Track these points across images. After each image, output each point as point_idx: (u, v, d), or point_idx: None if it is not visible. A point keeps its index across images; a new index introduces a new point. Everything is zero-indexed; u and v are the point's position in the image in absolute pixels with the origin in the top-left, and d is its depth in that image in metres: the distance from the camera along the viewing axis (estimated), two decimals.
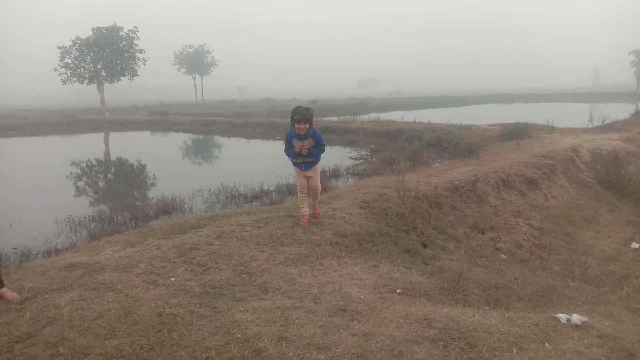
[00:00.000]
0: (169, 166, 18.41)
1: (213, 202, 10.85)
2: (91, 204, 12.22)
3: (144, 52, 52.63)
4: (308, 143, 5.29)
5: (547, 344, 3.35)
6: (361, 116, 33.60)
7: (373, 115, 33.61)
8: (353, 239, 5.50)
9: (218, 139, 29.40)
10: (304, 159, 5.42)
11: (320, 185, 5.69)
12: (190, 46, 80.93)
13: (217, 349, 3.17)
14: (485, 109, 52.97)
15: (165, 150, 24.90)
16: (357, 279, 4.56)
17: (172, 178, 14.89)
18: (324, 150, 5.49)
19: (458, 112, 41.32)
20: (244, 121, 34.12)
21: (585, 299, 5.04)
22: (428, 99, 77.09)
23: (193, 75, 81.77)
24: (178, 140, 29.54)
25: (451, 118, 25.39)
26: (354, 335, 3.41)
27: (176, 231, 5.46)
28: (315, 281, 4.46)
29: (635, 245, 7.20)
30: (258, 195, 11.22)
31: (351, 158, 17.63)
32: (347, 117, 34.95)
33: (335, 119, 33.95)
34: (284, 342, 3.26)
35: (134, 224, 8.92)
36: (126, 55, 51.37)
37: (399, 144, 21.05)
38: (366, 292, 4.26)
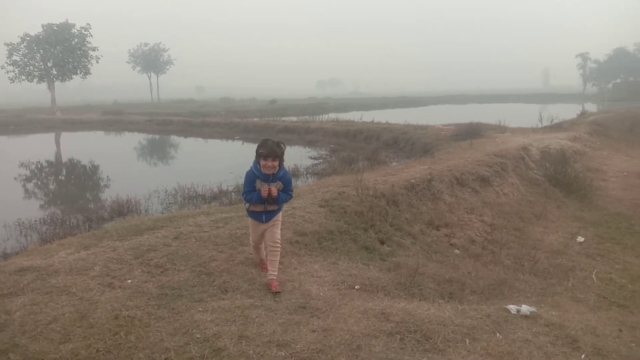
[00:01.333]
0: (123, 167, 17.95)
1: (170, 203, 10.67)
2: (42, 206, 11.77)
3: (97, 49, 50.93)
4: (277, 186, 4.16)
5: (498, 334, 3.51)
6: (320, 116, 33.75)
7: (332, 116, 33.82)
8: (313, 238, 5.55)
9: (175, 138, 28.87)
10: (267, 207, 4.22)
11: (280, 240, 4.38)
12: (146, 44, 79.01)
13: (176, 349, 3.16)
14: (441, 110, 54.26)
15: (120, 151, 24.26)
16: (317, 277, 4.62)
17: (126, 179, 14.52)
18: (291, 197, 4.43)
19: (415, 113, 42.15)
20: (202, 121, 33.65)
21: (534, 291, 5.28)
22: (386, 99, 78.24)
23: (148, 74, 79.82)
24: (133, 140, 28.83)
25: (408, 118, 25.86)
26: (313, 331, 3.46)
27: (132, 233, 5.36)
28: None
29: (580, 239, 7.57)
30: (217, 196, 11.11)
31: (311, 158, 17.71)
32: (307, 117, 35.02)
33: (294, 118, 33.98)
34: (244, 341, 3.28)
35: (87, 227, 8.66)
36: (78, 53, 49.47)
37: (358, 143, 21.29)
38: (325, 289, 4.33)
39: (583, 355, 3.33)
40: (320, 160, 16.87)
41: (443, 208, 7.84)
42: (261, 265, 4.58)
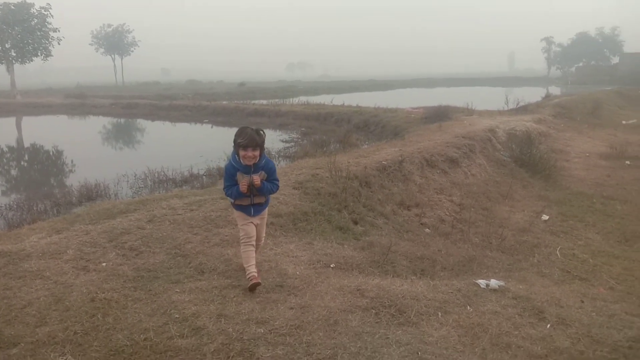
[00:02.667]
0: (88, 152, 17.51)
1: (140, 187, 10.51)
2: (4, 193, 11.44)
3: (59, 31, 49.00)
4: (260, 176, 3.80)
5: (468, 307, 3.66)
6: (291, 99, 33.58)
7: (303, 99, 33.69)
8: (287, 219, 5.61)
9: (142, 122, 28.27)
10: (254, 200, 3.87)
11: (264, 234, 4.28)
12: (109, 25, 76.63)
13: (155, 329, 3.18)
14: (410, 93, 54.64)
15: (85, 135, 23.61)
16: (293, 256, 4.68)
17: (92, 164, 14.22)
18: (277, 187, 3.98)
19: (384, 96, 42.35)
20: (170, 104, 33.03)
21: (501, 267, 5.49)
22: (356, 82, 78.25)
23: (112, 56, 77.58)
24: (98, 124, 28.10)
25: (378, 102, 26.01)
26: (291, 308, 3.54)
27: (104, 216, 5.29)
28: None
29: (545, 217, 7.86)
30: (188, 180, 11.01)
31: (282, 141, 17.67)
32: (277, 100, 34.80)
33: (265, 102, 33.70)
34: (222, 319, 3.33)
35: (56, 212, 8.48)
36: (38, 34, 47.45)
37: (329, 126, 21.33)
38: (302, 268, 4.40)
39: (548, 325, 3.50)
40: (292, 144, 16.86)
41: (414, 189, 8.00)
42: (251, 279, 3.77)
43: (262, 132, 3.77)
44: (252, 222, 3.93)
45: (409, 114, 19.77)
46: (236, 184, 3.78)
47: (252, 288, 3.76)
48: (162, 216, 5.30)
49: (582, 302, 4.24)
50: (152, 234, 4.80)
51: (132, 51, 79.54)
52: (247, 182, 3.72)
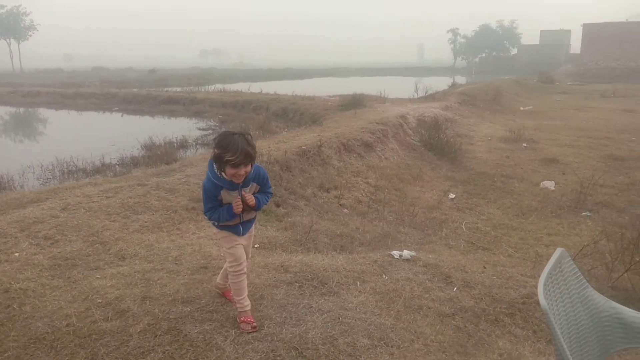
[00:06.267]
0: None
1: (48, 178, 9.94)
2: None
3: None
4: (252, 189, 3.01)
5: (384, 275, 3.95)
6: (206, 87, 32.82)
7: (219, 86, 33.05)
8: None
9: (45, 111, 26.33)
10: (244, 217, 3.05)
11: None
12: (2, 7, 70.08)
13: (78, 315, 3.13)
14: (326, 82, 55.40)
15: None
16: (217, 239, 4.73)
17: None
18: (272, 194, 3.20)
19: (302, 84, 42.58)
20: (75, 91, 31.01)
21: (413, 241, 5.90)
22: (272, 71, 77.83)
23: (7, 40, 71.14)
24: None
25: (296, 90, 26.18)
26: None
27: (14, 206, 5.01)
28: (174, 245, 4.53)
29: (452, 195, 8.48)
30: (99, 169, 10.55)
31: (199, 129, 17.34)
32: (192, 87, 33.85)
33: (178, 89, 32.63)
34: (148, 301, 3.34)
35: None
36: None
37: (247, 114, 21.17)
38: None
39: (455, 288, 3.87)
40: (210, 131, 16.60)
41: (332, 172, 8.28)
42: (243, 320, 3.08)
43: (250, 136, 2.86)
44: (240, 243, 3.10)
45: (326, 102, 20.13)
46: (221, 204, 2.95)
47: (247, 329, 3.03)
48: (77, 204, 5.12)
49: (484, 267, 4.69)
50: (67, 222, 4.63)
51: (31, 35, 73.41)
52: (240, 203, 2.91)
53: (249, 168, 2.84)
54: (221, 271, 3.43)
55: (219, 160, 2.78)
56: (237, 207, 2.90)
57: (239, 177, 2.82)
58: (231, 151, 2.70)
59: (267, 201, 3.11)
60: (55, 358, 2.74)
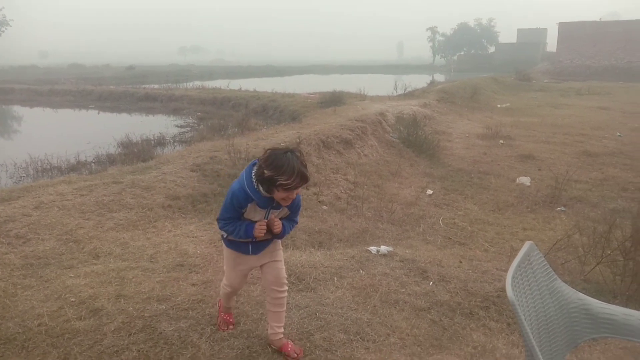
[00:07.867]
0: None
1: (21, 176, 9.72)
2: None
3: None
4: (281, 213, 2.65)
5: (361, 271, 3.97)
6: (185, 84, 32.47)
7: (197, 83, 32.70)
8: (186, 201, 5.58)
9: (19, 109, 25.71)
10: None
11: (287, 281, 2.84)
12: None
13: (50, 314, 3.08)
14: (306, 79, 55.28)
15: None
16: (193, 237, 4.70)
17: None
18: (297, 223, 2.79)
19: (281, 82, 42.45)
20: (50, 89, 30.34)
21: (391, 237, 5.94)
22: (252, 68, 77.43)
23: None
24: None
25: (275, 87, 26.07)
26: (193, 285, 3.59)
27: None
28: (150, 243, 4.48)
29: (429, 191, 8.55)
30: (75, 167, 10.36)
31: (177, 126, 17.15)
32: (170, 84, 33.45)
33: (157, 86, 32.22)
34: (122, 299, 3.30)
35: None
36: None
37: (226, 111, 21.01)
38: (202, 247, 4.44)
39: (431, 282, 3.92)
40: (188, 129, 16.44)
41: (311, 169, 8.27)
42: (226, 317, 3.05)
43: (301, 153, 2.44)
44: (243, 270, 2.80)
45: (305, 99, 20.10)
46: (242, 218, 2.56)
47: (223, 326, 2.98)
48: (50, 202, 5.02)
49: (461, 262, 4.75)
50: (40, 221, 4.54)
51: (3, 31, 71.55)
52: (264, 227, 2.55)
53: (299, 190, 2.48)
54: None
55: (268, 182, 2.36)
56: (260, 231, 2.53)
57: (289, 200, 2.46)
58: (286, 174, 2.31)
59: (291, 230, 2.71)
60: (27, 358, 2.69)
